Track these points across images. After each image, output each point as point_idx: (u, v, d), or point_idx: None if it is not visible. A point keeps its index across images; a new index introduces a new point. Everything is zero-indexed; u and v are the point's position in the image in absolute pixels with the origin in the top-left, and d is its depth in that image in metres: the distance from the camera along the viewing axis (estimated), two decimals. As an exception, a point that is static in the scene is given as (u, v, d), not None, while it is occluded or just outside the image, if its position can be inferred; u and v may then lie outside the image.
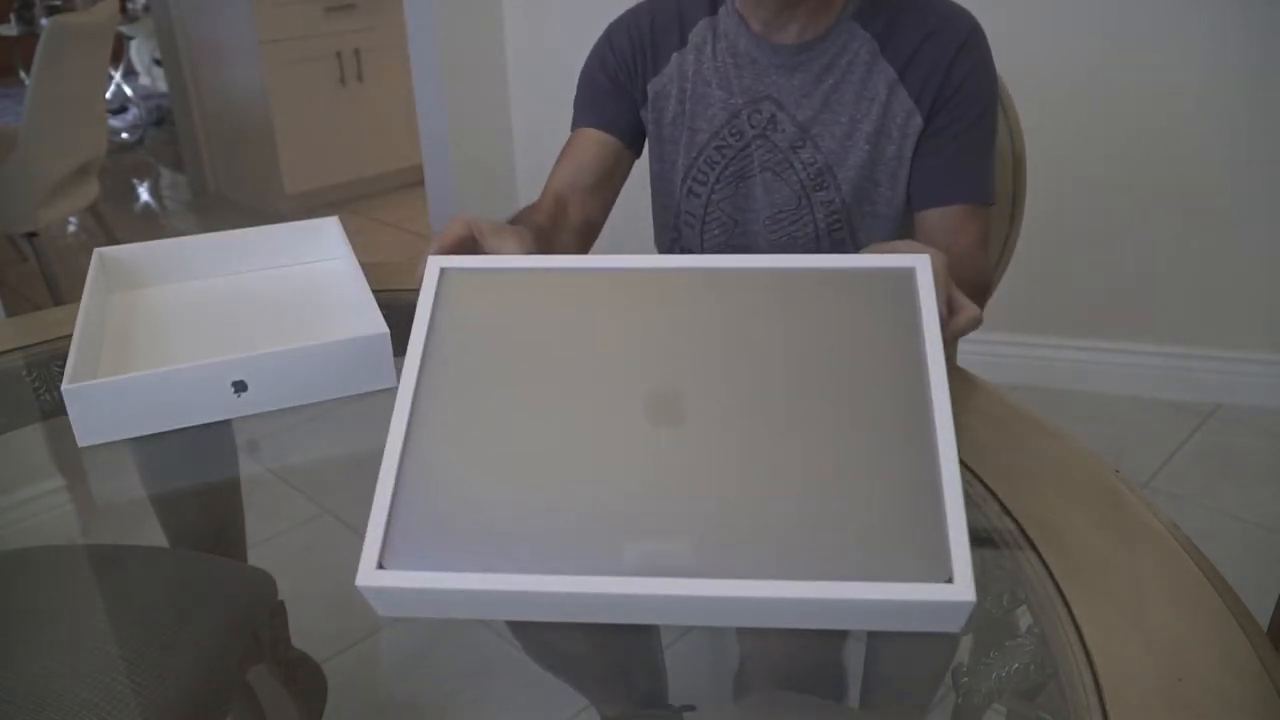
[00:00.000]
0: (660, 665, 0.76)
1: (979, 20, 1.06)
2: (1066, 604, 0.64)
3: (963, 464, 0.61)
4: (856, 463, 0.60)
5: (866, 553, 0.57)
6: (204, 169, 4.14)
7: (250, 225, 1.14)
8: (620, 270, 0.72)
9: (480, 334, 0.69)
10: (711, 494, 0.60)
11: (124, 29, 5.00)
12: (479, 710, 0.77)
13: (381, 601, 0.60)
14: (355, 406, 0.91)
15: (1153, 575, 0.66)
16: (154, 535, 0.88)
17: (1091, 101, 2.10)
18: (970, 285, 0.85)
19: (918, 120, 1.05)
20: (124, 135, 5.12)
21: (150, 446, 0.87)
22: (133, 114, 5.28)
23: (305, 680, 0.74)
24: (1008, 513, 0.72)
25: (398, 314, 0.92)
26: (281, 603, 0.79)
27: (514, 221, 0.97)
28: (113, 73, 5.19)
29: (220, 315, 1.05)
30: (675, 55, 1.12)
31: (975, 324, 0.77)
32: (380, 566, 0.58)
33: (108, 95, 4.97)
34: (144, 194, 4.36)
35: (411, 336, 0.68)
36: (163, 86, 4.60)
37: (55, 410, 0.88)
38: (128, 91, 5.28)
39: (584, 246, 1.12)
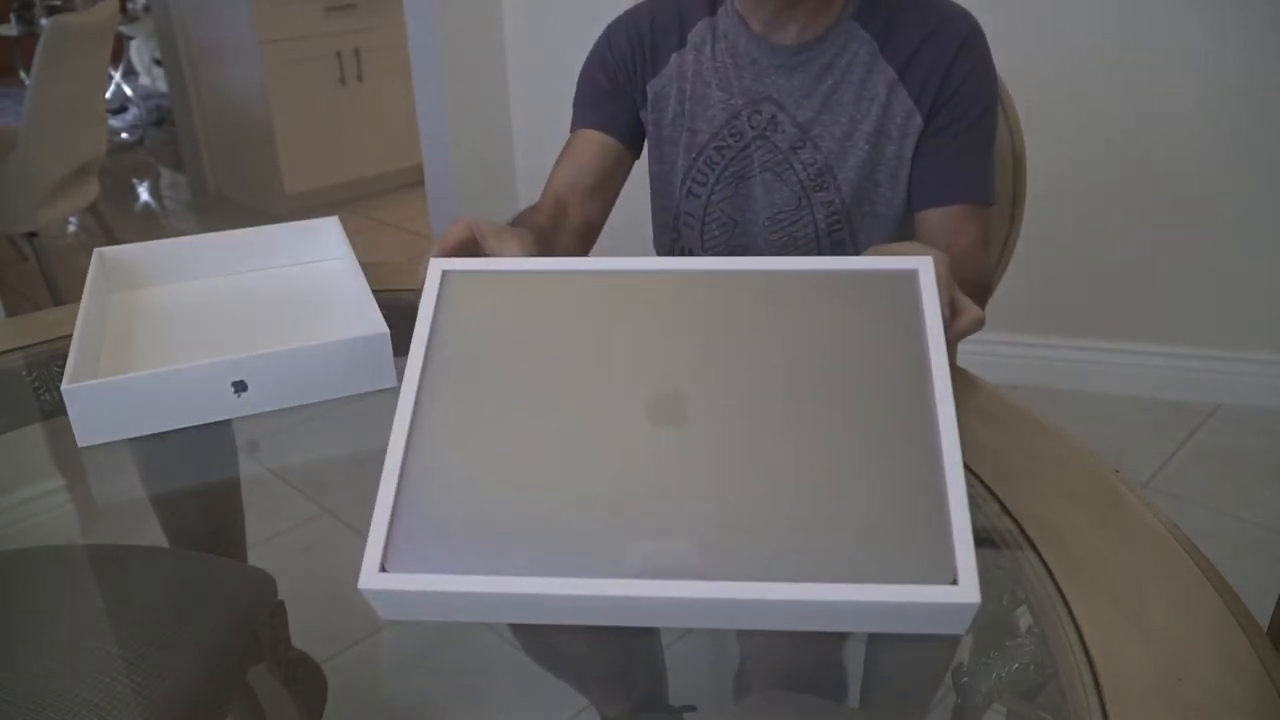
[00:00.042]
0: (660, 665, 0.76)
1: (979, 20, 1.06)
2: (1066, 604, 0.64)
3: (963, 464, 0.61)
4: (860, 464, 0.60)
5: (870, 554, 0.57)
6: (204, 169, 4.14)
7: (250, 225, 1.14)
8: (622, 272, 0.72)
9: (482, 336, 0.69)
10: (714, 496, 0.60)
11: (124, 29, 5.00)
12: (479, 710, 0.77)
13: (384, 604, 0.60)
14: (355, 406, 0.91)
15: (1153, 575, 0.66)
16: (154, 535, 0.88)
17: (1091, 101, 2.10)
18: (971, 285, 0.85)
19: (918, 120, 1.05)
20: (124, 135, 5.12)
21: (150, 446, 0.87)
22: (133, 114, 5.28)
23: (305, 680, 0.74)
24: (1008, 513, 0.72)
25: (398, 314, 0.92)
26: (281, 603, 0.79)
27: (514, 223, 0.97)
28: (113, 73, 5.19)
29: (220, 315, 1.05)
30: (675, 56, 1.12)
31: (978, 326, 0.77)
32: (383, 569, 0.58)
33: (108, 95, 4.97)
34: (144, 194, 4.36)
35: (413, 339, 0.68)
36: (163, 86, 4.60)
37: (55, 410, 0.88)
38: (128, 91, 5.28)
39: (584, 248, 1.12)
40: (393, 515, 0.60)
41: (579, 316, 0.69)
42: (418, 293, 0.73)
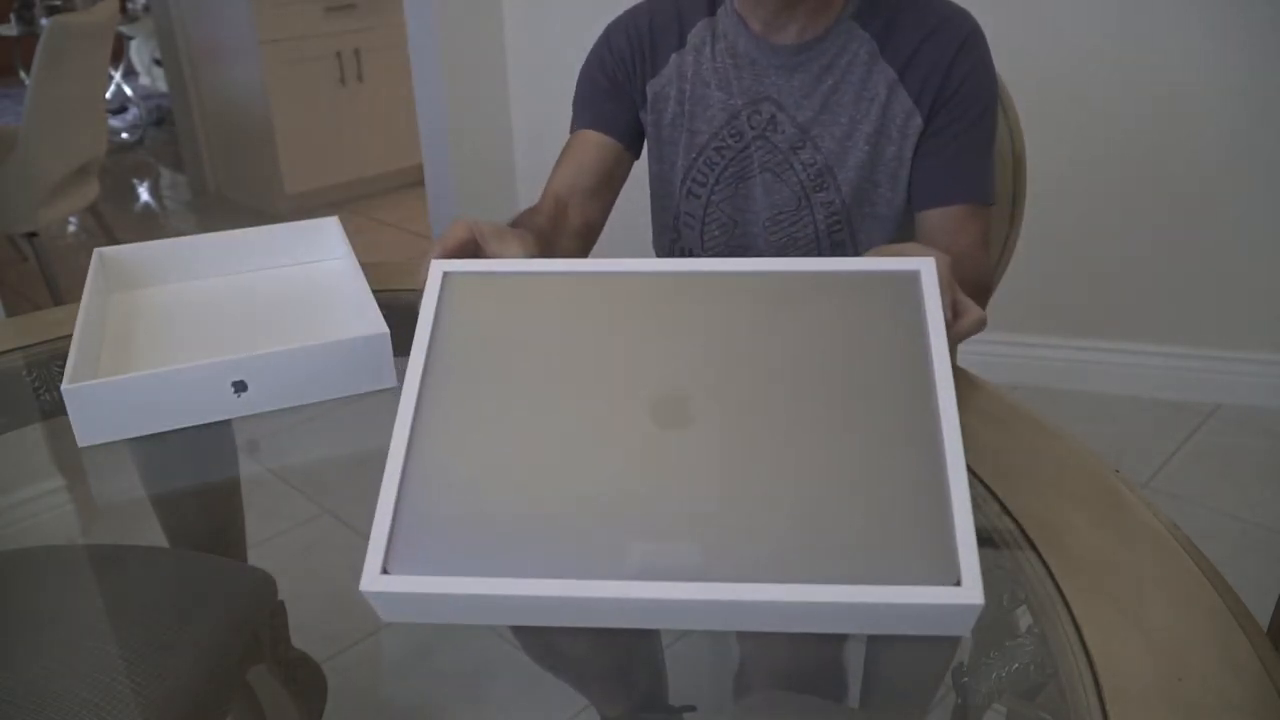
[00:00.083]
0: (660, 665, 0.76)
1: (979, 20, 1.06)
2: (1066, 604, 0.64)
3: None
4: (862, 465, 0.60)
5: (873, 555, 0.57)
6: (204, 169, 4.14)
7: (250, 225, 1.14)
8: (623, 273, 0.72)
9: (483, 337, 0.69)
10: (716, 497, 0.60)
11: (124, 29, 5.00)
12: (479, 710, 0.77)
13: (385, 607, 0.60)
14: (355, 406, 0.91)
15: (1153, 575, 0.66)
16: (154, 535, 0.88)
17: (1091, 101, 2.10)
18: (972, 285, 0.85)
19: (917, 120, 1.05)
20: (124, 135, 5.12)
21: (150, 446, 0.87)
22: (133, 114, 5.28)
23: (305, 680, 0.74)
24: (1008, 513, 0.72)
25: (398, 314, 0.92)
26: (281, 603, 0.79)
27: (514, 224, 0.97)
28: (113, 73, 5.19)
29: (220, 315, 1.05)
30: (674, 56, 1.12)
31: (980, 327, 0.77)
32: (384, 571, 0.58)
33: (108, 95, 4.97)
34: (144, 194, 4.36)
35: (414, 341, 0.68)
36: (163, 86, 4.60)
37: (55, 410, 0.88)
38: (128, 91, 5.28)
39: (584, 249, 1.12)
40: (394, 517, 0.60)
41: (580, 318, 0.69)
42: (418, 293, 0.73)
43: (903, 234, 1.12)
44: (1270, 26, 1.96)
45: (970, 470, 0.75)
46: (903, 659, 0.69)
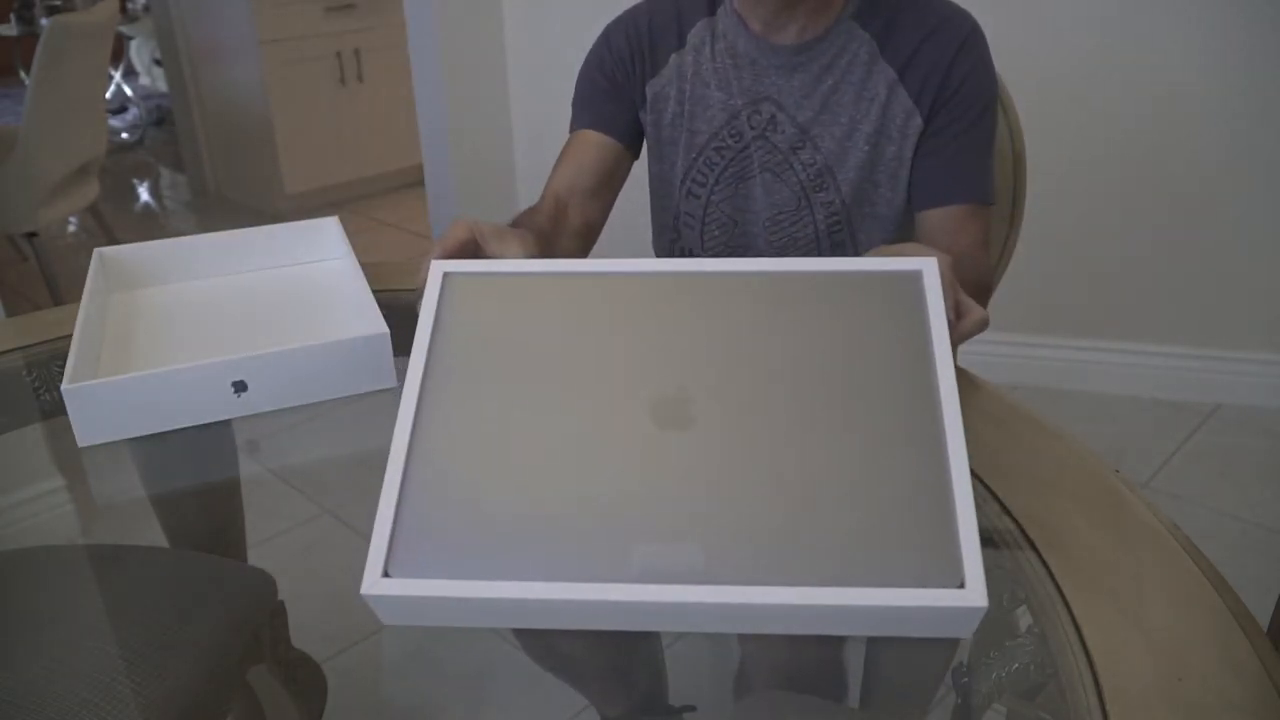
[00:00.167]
0: (660, 666, 0.76)
1: (979, 20, 1.06)
2: (1066, 604, 0.64)
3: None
4: (865, 466, 0.60)
5: (876, 557, 0.56)
6: (204, 169, 4.14)
7: (250, 225, 1.14)
8: (624, 274, 0.71)
9: (484, 339, 0.69)
10: (719, 499, 0.59)
11: (124, 29, 5.00)
12: (479, 710, 0.77)
13: (386, 610, 0.60)
14: (355, 406, 0.91)
15: (1153, 575, 0.66)
16: (154, 535, 0.88)
17: (1091, 101, 2.10)
18: (972, 285, 0.85)
19: (917, 120, 1.05)
20: (124, 135, 5.12)
21: (150, 446, 0.87)
22: (133, 114, 5.28)
23: (305, 680, 0.74)
24: (1008, 513, 0.72)
25: (398, 314, 0.92)
26: (281, 603, 0.79)
27: (514, 224, 0.97)
28: (113, 73, 5.19)
29: (220, 315, 1.05)
30: (674, 56, 1.12)
31: (982, 326, 0.77)
32: (385, 575, 0.58)
33: (108, 95, 4.97)
34: (144, 194, 4.36)
35: (415, 341, 0.68)
36: (163, 86, 4.60)
37: (55, 410, 0.88)
38: (128, 91, 5.28)
39: (584, 249, 1.12)
40: (395, 520, 0.60)
41: (581, 318, 0.69)
42: (418, 293, 0.72)
43: (903, 234, 1.12)
44: (1270, 26, 1.96)
45: (970, 470, 0.75)
46: (903, 659, 0.69)
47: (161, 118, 5.22)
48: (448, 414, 0.65)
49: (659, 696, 0.79)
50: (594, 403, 0.64)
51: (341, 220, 1.16)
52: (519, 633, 0.75)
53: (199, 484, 0.92)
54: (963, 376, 0.91)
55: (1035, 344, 2.33)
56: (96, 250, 1.07)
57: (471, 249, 0.81)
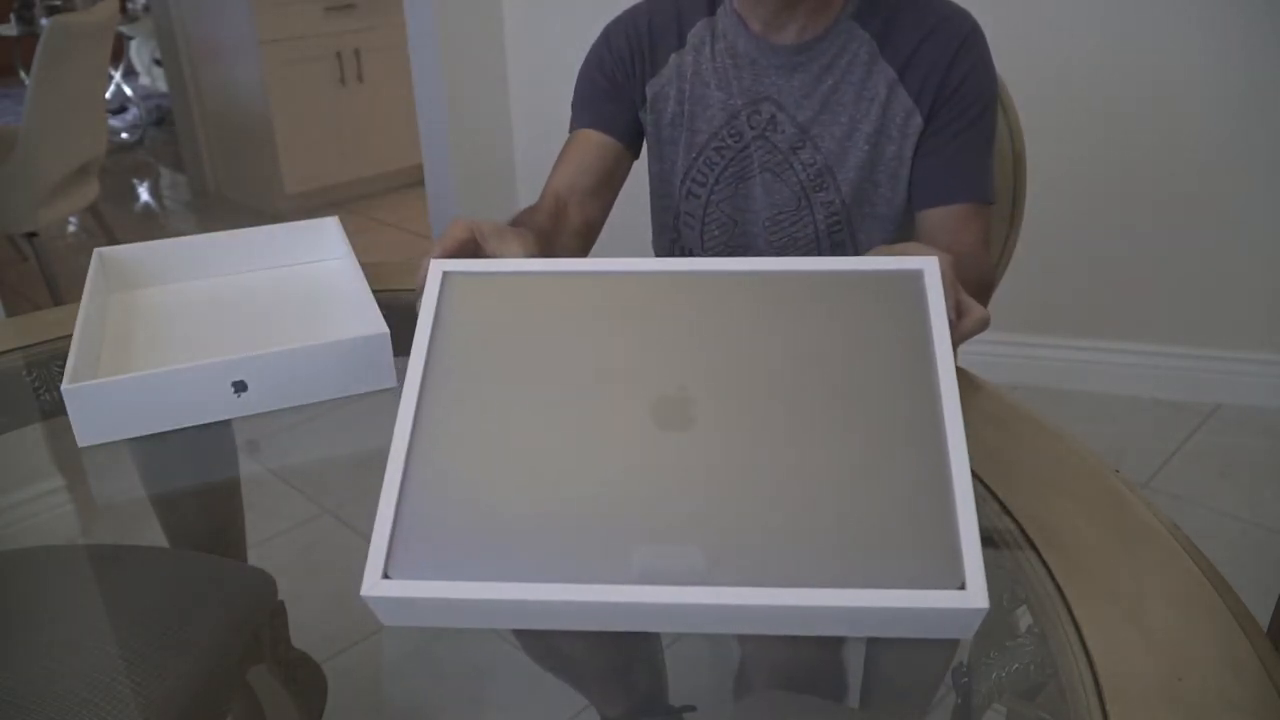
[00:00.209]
0: (660, 665, 0.76)
1: (979, 20, 1.06)
2: (1066, 604, 0.64)
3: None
4: (866, 467, 0.60)
5: (877, 559, 0.56)
6: (204, 169, 4.14)
7: (250, 225, 1.14)
8: (624, 273, 0.71)
9: (484, 338, 0.68)
10: (719, 499, 0.59)
11: (124, 29, 5.00)
12: (479, 710, 0.77)
13: (386, 611, 0.60)
14: (355, 406, 0.91)
15: (1153, 575, 0.66)
16: (154, 535, 0.88)
17: (1091, 101, 2.10)
18: (974, 285, 0.85)
19: (918, 120, 1.05)
20: (124, 135, 5.12)
21: (150, 446, 0.87)
22: (133, 114, 5.28)
23: (305, 680, 0.74)
24: (1008, 513, 0.72)
25: (398, 314, 0.92)
26: (281, 603, 0.79)
27: (514, 223, 0.97)
28: (113, 73, 5.19)
29: (220, 315, 1.05)
30: (673, 56, 1.12)
31: (984, 326, 0.76)
32: (385, 576, 0.58)
33: (108, 95, 4.97)
34: (144, 194, 4.36)
35: (414, 341, 0.68)
36: (163, 86, 4.60)
37: (55, 410, 0.88)
38: (128, 91, 5.28)
39: (584, 248, 1.12)
40: (395, 521, 0.60)
41: (581, 318, 0.69)
42: (417, 292, 0.72)
43: (903, 234, 1.12)
44: (1270, 26, 1.96)
45: (970, 470, 0.75)
46: (903, 659, 0.69)
47: (161, 118, 5.22)
48: (448, 414, 0.65)
49: (659, 696, 0.79)
50: (594, 403, 0.64)
51: (341, 220, 1.16)
52: (519, 633, 0.75)
53: (199, 484, 0.92)
54: (963, 376, 0.91)
55: (1035, 344, 2.33)
56: (96, 250, 1.07)
57: (471, 248, 0.81)
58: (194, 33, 3.91)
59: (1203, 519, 1.88)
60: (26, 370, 1.03)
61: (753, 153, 1.11)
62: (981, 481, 0.75)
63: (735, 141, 1.11)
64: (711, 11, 1.11)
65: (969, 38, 1.04)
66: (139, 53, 5.39)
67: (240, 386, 0.88)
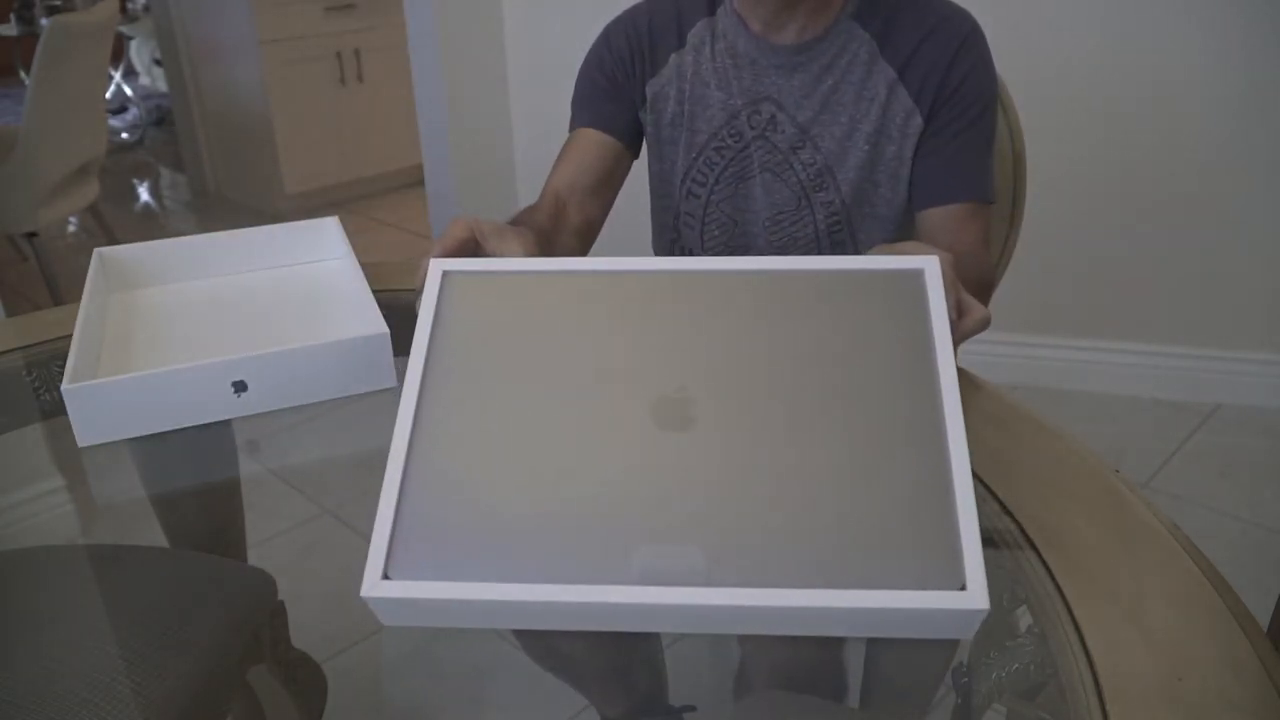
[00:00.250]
0: (660, 665, 0.76)
1: (979, 20, 1.06)
2: (1066, 604, 0.64)
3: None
4: (866, 467, 0.60)
5: (878, 559, 0.56)
6: (204, 169, 4.14)
7: (250, 225, 1.14)
8: (624, 272, 0.71)
9: (484, 338, 0.68)
10: (719, 499, 0.59)
11: (124, 29, 5.00)
12: (479, 710, 0.77)
13: (386, 612, 0.60)
14: (355, 406, 0.91)
15: (1153, 575, 0.66)
16: (154, 535, 0.88)
17: (1091, 101, 2.10)
18: (975, 284, 0.85)
19: (918, 120, 1.05)
20: (124, 135, 5.12)
21: (150, 446, 0.87)
22: (133, 114, 5.28)
23: (305, 680, 0.74)
24: (1008, 513, 0.72)
25: (398, 314, 0.92)
26: (281, 603, 0.79)
27: (514, 222, 0.97)
28: (113, 73, 5.19)
29: (220, 315, 1.05)
30: (673, 56, 1.12)
31: (984, 325, 0.76)
32: (385, 577, 0.58)
33: (108, 95, 4.97)
34: (144, 194, 4.36)
35: (414, 341, 0.68)
36: (163, 86, 4.60)
37: (55, 410, 0.88)
38: (128, 91, 5.28)
39: (584, 247, 1.12)
40: (395, 522, 0.60)
41: (580, 317, 0.69)
42: (417, 292, 0.72)
43: (903, 234, 1.12)
44: (1270, 26, 1.96)
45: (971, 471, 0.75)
46: (903, 659, 0.69)
47: (161, 118, 5.22)
48: (447, 414, 0.65)
49: (659, 696, 0.79)
50: (593, 402, 0.64)
51: (341, 220, 1.16)
52: (519, 633, 0.75)
53: (199, 484, 0.92)
54: (963, 377, 0.91)
55: (1035, 344, 2.33)
56: (96, 250, 1.07)
57: (471, 247, 0.81)
58: (194, 33, 3.91)
59: (1203, 519, 1.88)
60: (26, 370, 1.03)
61: (753, 153, 1.11)
62: (981, 481, 0.75)
63: (735, 141, 1.11)
64: (711, 11, 1.11)
65: (969, 38, 1.04)
66: (139, 53, 5.39)
67: (240, 386, 0.88)
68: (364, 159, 3.94)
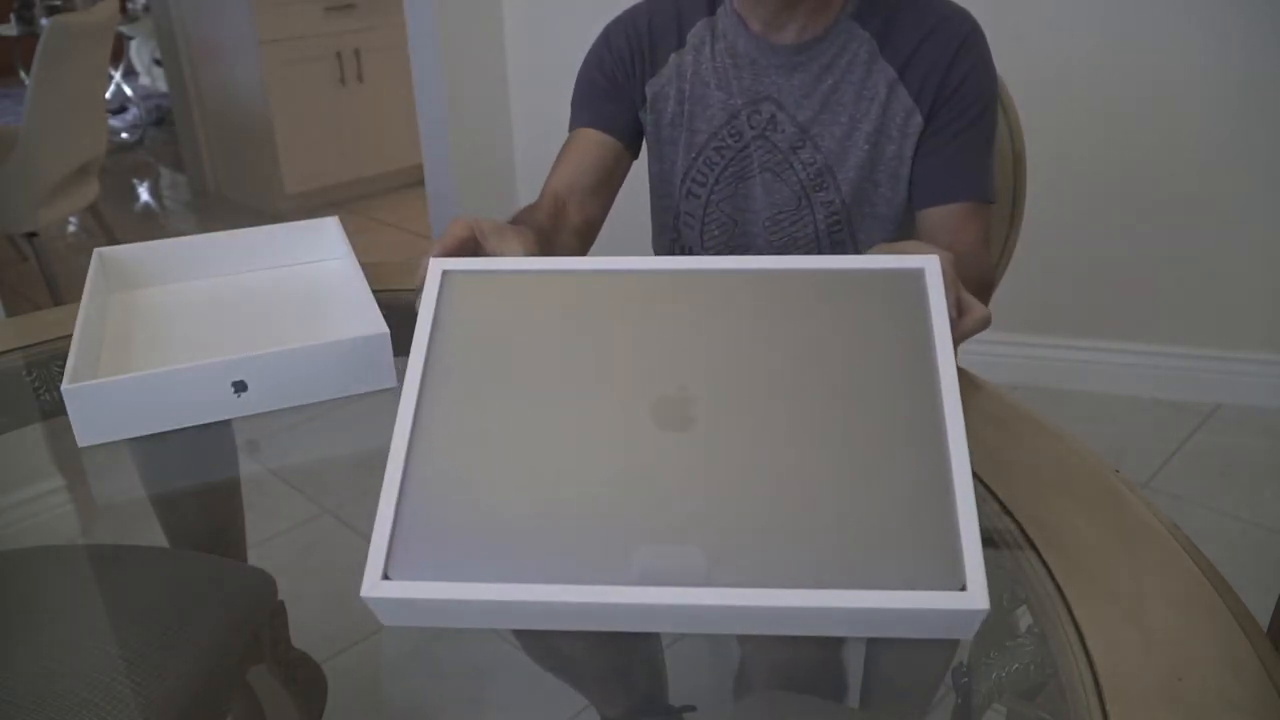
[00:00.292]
0: (660, 665, 0.76)
1: (979, 20, 1.06)
2: (1066, 604, 0.64)
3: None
4: (866, 467, 0.60)
5: (878, 559, 0.56)
6: (204, 169, 4.14)
7: (250, 225, 1.14)
8: (624, 272, 0.71)
9: (484, 338, 0.68)
10: (719, 499, 0.59)
11: (124, 29, 5.00)
12: (479, 710, 0.77)
13: (387, 612, 0.60)
14: (355, 406, 0.91)
15: (1153, 575, 0.66)
16: (154, 535, 0.88)
17: (1091, 101, 2.10)
18: (975, 283, 0.85)
19: (918, 119, 1.05)
20: (124, 135, 5.12)
21: (150, 446, 0.87)
22: (133, 114, 5.28)
23: (305, 680, 0.74)
24: (1008, 513, 0.72)
25: (398, 314, 0.92)
26: (281, 603, 0.79)
27: (514, 221, 0.97)
28: (113, 73, 5.19)
29: (220, 315, 1.05)
30: (673, 56, 1.12)
31: (985, 324, 0.76)
32: (385, 577, 0.58)
33: (108, 95, 4.97)
34: (144, 194, 4.36)
35: (414, 341, 0.68)
36: (163, 86, 4.60)
37: (55, 410, 0.88)
38: (128, 91, 5.28)
39: (584, 247, 1.12)
40: (395, 522, 0.60)
41: (580, 317, 0.69)
42: (417, 291, 0.72)
43: (903, 233, 1.12)
44: (1270, 26, 1.96)
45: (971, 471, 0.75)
46: (903, 659, 0.69)
47: (161, 118, 5.22)
48: (447, 413, 0.65)
49: (659, 696, 0.79)
50: (593, 402, 0.64)
51: (341, 220, 1.16)
52: (519, 633, 0.75)
53: (199, 484, 0.92)
54: (963, 376, 0.91)
55: (1035, 344, 2.33)
56: (96, 250, 1.07)
57: (471, 246, 0.81)
58: (194, 33, 3.90)
59: (1203, 519, 1.88)
60: (26, 370, 1.03)
61: (753, 152, 1.11)
62: (981, 481, 0.75)
63: (735, 141, 1.11)
64: (711, 11, 1.11)
65: (969, 37, 1.04)
66: (139, 53, 5.39)
67: (240, 386, 0.88)
68: (364, 159, 3.94)
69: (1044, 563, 0.67)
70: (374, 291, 0.99)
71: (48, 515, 0.88)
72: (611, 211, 1.16)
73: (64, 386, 0.83)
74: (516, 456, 0.62)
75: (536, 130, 2.62)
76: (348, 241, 1.12)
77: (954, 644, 0.64)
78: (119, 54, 5.16)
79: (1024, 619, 0.65)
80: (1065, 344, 2.32)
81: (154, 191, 4.39)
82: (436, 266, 0.72)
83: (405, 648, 0.72)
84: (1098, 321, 2.29)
